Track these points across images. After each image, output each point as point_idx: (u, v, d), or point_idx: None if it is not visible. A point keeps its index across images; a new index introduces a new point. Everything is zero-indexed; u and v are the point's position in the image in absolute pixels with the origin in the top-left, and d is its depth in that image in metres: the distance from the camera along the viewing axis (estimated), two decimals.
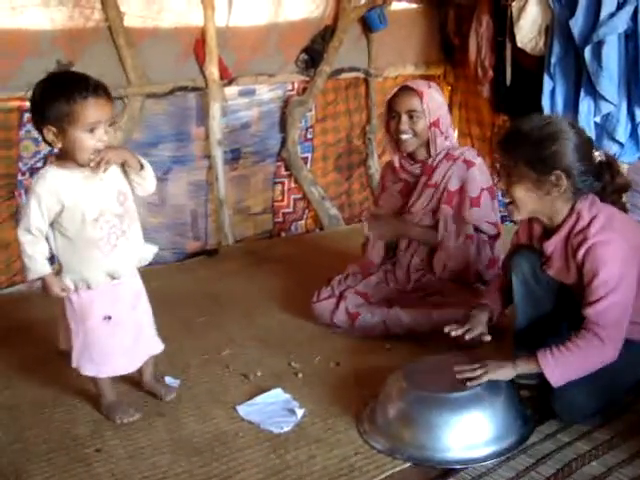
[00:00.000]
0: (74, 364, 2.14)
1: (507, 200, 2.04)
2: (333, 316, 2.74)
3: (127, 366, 2.19)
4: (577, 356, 1.89)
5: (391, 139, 2.85)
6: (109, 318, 2.10)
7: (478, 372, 1.95)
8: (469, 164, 2.75)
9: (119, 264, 2.08)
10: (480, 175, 2.77)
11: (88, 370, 2.15)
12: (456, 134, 4.77)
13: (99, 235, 2.03)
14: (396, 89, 2.81)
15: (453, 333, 2.15)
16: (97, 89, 1.93)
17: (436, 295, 2.72)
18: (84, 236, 2.02)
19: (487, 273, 2.76)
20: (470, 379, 1.94)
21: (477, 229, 2.75)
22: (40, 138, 2.03)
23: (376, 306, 2.73)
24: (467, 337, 2.14)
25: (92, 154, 1.94)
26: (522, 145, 1.95)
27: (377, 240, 2.89)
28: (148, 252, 2.20)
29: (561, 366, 1.88)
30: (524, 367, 1.95)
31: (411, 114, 2.73)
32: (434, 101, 2.76)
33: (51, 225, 2.01)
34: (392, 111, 2.79)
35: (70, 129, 1.91)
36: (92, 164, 1.95)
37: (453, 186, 2.76)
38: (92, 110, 1.90)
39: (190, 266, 3.85)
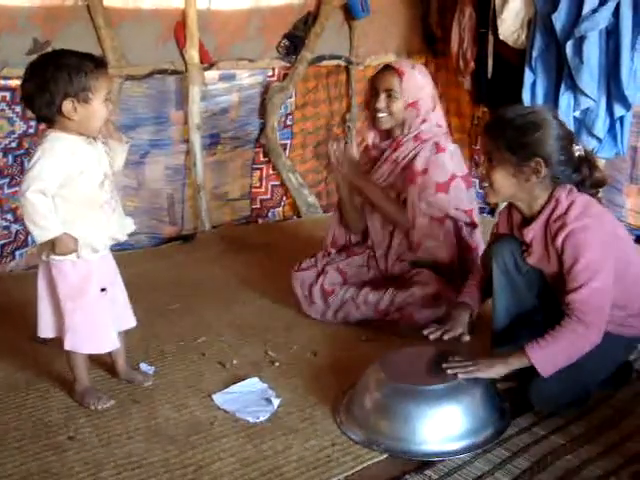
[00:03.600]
0: (68, 346, 2.09)
1: (485, 184, 2.07)
2: (312, 289, 2.75)
3: (116, 341, 2.17)
4: (564, 344, 1.90)
5: (369, 115, 2.86)
6: (104, 290, 2.10)
7: (470, 368, 1.96)
8: (439, 149, 2.71)
9: (118, 227, 2.14)
10: (451, 161, 2.72)
11: (87, 348, 2.13)
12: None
13: (105, 198, 2.08)
14: (381, 67, 2.82)
15: (431, 336, 2.15)
16: (105, 63, 2.08)
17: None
18: (92, 198, 2.04)
19: (466, 259, 2.74)
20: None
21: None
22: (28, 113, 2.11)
23: (351, 285, 2.75)
24: (446, 338, 2.14)
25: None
26: (505, 130, 1.98)
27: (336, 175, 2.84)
28: (130, 223, 2.21)
29: (550, 356, 1.90)
30: (515, 363, 1.95)
31: (389, 93, 2.71)
32: (414, 82, 2.73)
33: None
34: (373, 88, 2.79)
35: (94, 100, 1.98)
36: (101, 132, 2.07)
37: (418, 166, 2.71)
38: (108, 81, 2.06)
39: (166, 251, 3.82)
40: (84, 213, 2.03)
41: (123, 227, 2.17)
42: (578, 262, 1.90)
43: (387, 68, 2.77)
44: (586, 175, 2.03)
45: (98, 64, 2.00)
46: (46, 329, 2.14)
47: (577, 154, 2.02)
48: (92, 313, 2.08)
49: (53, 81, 1.93)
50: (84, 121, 1.99)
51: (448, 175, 2.70)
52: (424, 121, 2.77)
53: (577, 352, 1.91)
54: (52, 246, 1.98)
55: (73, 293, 2.06)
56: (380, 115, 2.75)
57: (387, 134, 2.85)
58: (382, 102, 2.73)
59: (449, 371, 1.97)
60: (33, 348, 2.42)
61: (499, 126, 2.01)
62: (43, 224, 1.94)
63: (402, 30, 4.58)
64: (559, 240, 1.94)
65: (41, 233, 1.96)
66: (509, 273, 2.16)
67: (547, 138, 1.95)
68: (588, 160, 2.05)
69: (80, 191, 2.01)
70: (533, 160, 1.95)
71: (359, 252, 2.88)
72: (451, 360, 2.01)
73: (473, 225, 2.78)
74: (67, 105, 1.95)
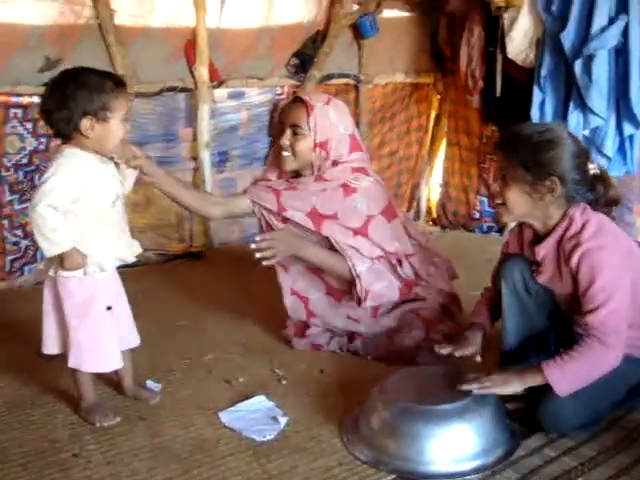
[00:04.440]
0: (72, 363, 2.09)
1: (498, 201, 2.05)
2: (296, 343, 2.69)
3: (120, 360, 2.16)
4: (582, 364, 1.88)
5: (274, 153, 2.62)
6: (110, 308, 2.10)
7: (486, 384, 1.94)
8: (347, 190, 2.48)
9: (127, 248, 2.14)
10: (363, 202, 2.49)
11: (90, 366, 2.11)
12: (444, 145, 4.81)
13: (116, 218, 2.09)
14: (291, 98, 2.59)
15: (443, 351, 2.12)
16: (125, 83, 2.09)
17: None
18: (103, 217, 2.05)
19: (409, 293, 2.60)
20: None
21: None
22: (46, 129, 2.20)
23: (337, 337, 2.67)
24: (457, 354, 2.10)
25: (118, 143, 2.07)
26: (521, 148, 1.96)
27: (268, 262, 2.46)
28: (137, 245, 2.21)
29: (567, 375, 1.88)
30: (531, 380, 1.93)
31: (295, 129, 2.46)
32: (325, 119, 2.46)
33: None
34: (280, 123, 2.54)
35: (112, 119, 1.99)
36: (121, 158, 2.10)
37: (325, 210, 2.49)
38: (127, 101, 2.06)
39: (174, 268, 3.81)
40: (94, 231, 2.03)
41: (131, 249, 2.17)
42: (595, 283, 1.88)
43: (296, 101, 2.52)
44: (600, 193, 2.01)
45: (118, 84, 2.02)
46: (51, 345, 2.14)
47: (592, 172, 2.00)
48: (97, 331, 2.07)
49: (73, 98, 1.95)
50: (100, 139, 2.00)
51: (363, 219, 2.49)
52: (335, 164, 2.51)
53: (595, 373, 1.89)
54: (60, 261, 1.98)
55: (78, 310, 2.05)
56: (284, 154, 2.49)
57: (298, 175, 2.58)
58: (286, 139, 2.46)
59: (464, 386, 1.94)
60: (39, 364, 2.41)
61: (514, 143, 1.99)
62: (53, 238, 1.94)
63: (411, 49, 4.60)
64: (574, 259, 1.92)
65: (50, 247, 1.96)
66: (518, 293, 2.14)
67: (563, 156, 1.93)
68: (603, 178, 2.03)
69: (91, 208, 2.02)
70: (548, 179, 1.93)
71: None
72: (465, 378, 1.98)
73: (400, 263, 2.57)
74: (85, 123, 1.96)
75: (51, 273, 2.06)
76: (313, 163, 2.50)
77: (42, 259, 2.13)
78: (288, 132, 2.47)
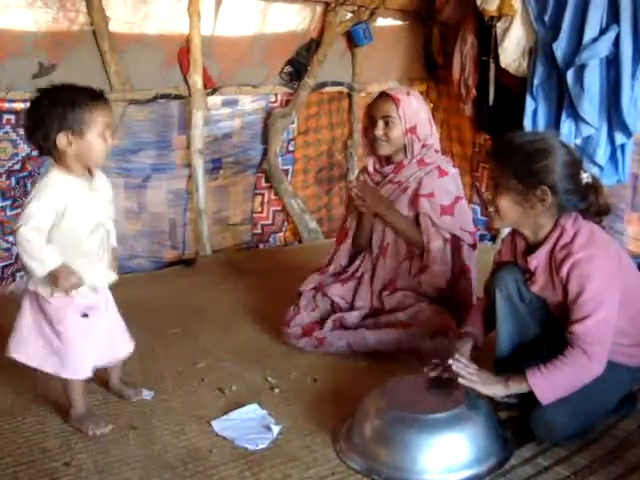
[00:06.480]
0: (36, 364, 2.10)
1: (490, 209, 2.06)
2: (300, 340, 2.72)
3: (89, 370, 2.13)
4: (566, 373, 1.89)
5: (368, 142, 2.88)
6: (86, 315, 2.08)
7: (473, 378, 1.96)
8: (442, 172, 2.76)
9: (100, 277, 2.11)
10: (453, 184, 2.78)
11: (65, 372, 2.10)
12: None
13: (90, 247, 2.06)
14: (376, 95, 2.85)
15: (432, 374, 2.09)
16: (104, 96, 2.05)
17: (400, 311, 2.70)
18: (76, 245, 2.02)
19: (460, 280, 2.75)
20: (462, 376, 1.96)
21: (453, 236, 2.75)
22: (26, 145, 2.06)
23: (342, 330, 2.70)
24: (445, 376, 2.07)
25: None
26: (512, 157, 1.96)
27: (360, 207, 2.80)
28: (112, 274, 2.19)
29: (550, 384, 1.88)
30: (515, 387, 1.94)
31: (387, 120, 2.74)
32: (411, 108, 2.76)
33: None
34: (370, 116, 2.82)
35: (88, 133, 1.97)
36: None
37: (424, 191, 2.74)
38: (105, 115, 2.02)
39: (167, 275, 3.81)
40: (65, 258, 1.98)
41: (105, 277, 2.15)
42: (584, 292, 1.88)
43: (383, 96, 2.79)
44: (592, 202, 2.01)
45: (94, 97, 2.00)
46: (14, 349, 2.13)
47: (585, 181, 2.00)
48: (70, 337, 2.06)
49: (48, 115, 1.95)
50: (81, 155, 1.99)
51: (452, 198, 2.74)
52: (424, 146, 2.80)
53: (578, 382, 1.90)
54: (54, 280, 1.95)
55: (52, 319, 2.05)
56: (380, 142, 2.78)
57: (387, 160, 2.87)
58: (380, 129, 2.75)
59: (454, 367, 1.96)
60: (30, 372, 2.39)
61: (507, 152, 2.00)
62: (41, 256, 1.93)
63: (404, 57, 4.63)
64: (564, 270, 1.93)
65: (40, 265, 1.93)
66: (512, 301, 2.14)
67: (554, 166, 1.93)
68: (595, 187, 2.03)
69: (66, 235, 1.99)
70: (539, 189, 1.93)
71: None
72: (458, 359, 2.00)
73: (474, 247, 2.80)
74: (62, 139, 1.96)
75: (31, 287, 2.05)
76: (406, 146, 2.79)
77: None
78: (380, 123, 2.76)
